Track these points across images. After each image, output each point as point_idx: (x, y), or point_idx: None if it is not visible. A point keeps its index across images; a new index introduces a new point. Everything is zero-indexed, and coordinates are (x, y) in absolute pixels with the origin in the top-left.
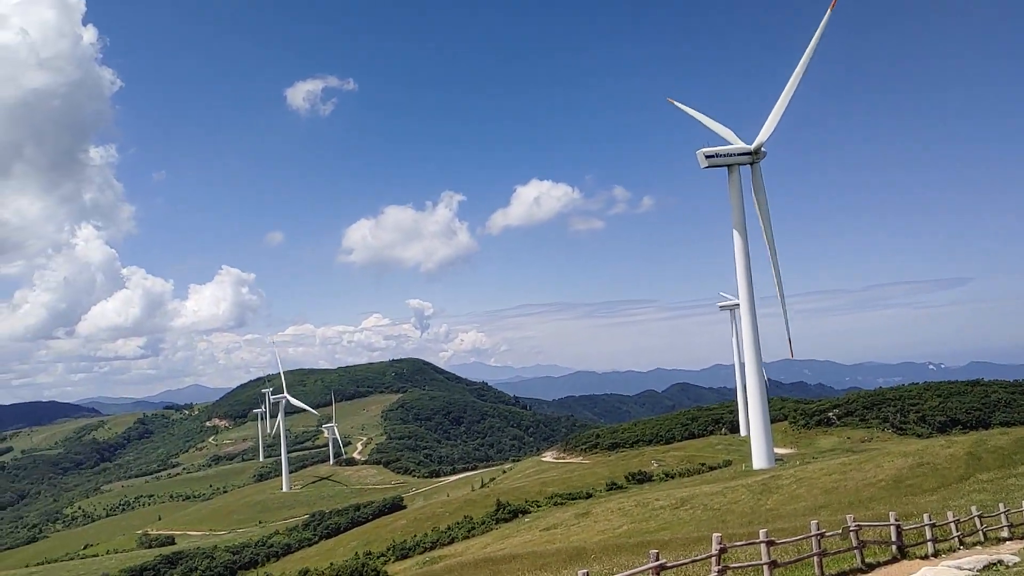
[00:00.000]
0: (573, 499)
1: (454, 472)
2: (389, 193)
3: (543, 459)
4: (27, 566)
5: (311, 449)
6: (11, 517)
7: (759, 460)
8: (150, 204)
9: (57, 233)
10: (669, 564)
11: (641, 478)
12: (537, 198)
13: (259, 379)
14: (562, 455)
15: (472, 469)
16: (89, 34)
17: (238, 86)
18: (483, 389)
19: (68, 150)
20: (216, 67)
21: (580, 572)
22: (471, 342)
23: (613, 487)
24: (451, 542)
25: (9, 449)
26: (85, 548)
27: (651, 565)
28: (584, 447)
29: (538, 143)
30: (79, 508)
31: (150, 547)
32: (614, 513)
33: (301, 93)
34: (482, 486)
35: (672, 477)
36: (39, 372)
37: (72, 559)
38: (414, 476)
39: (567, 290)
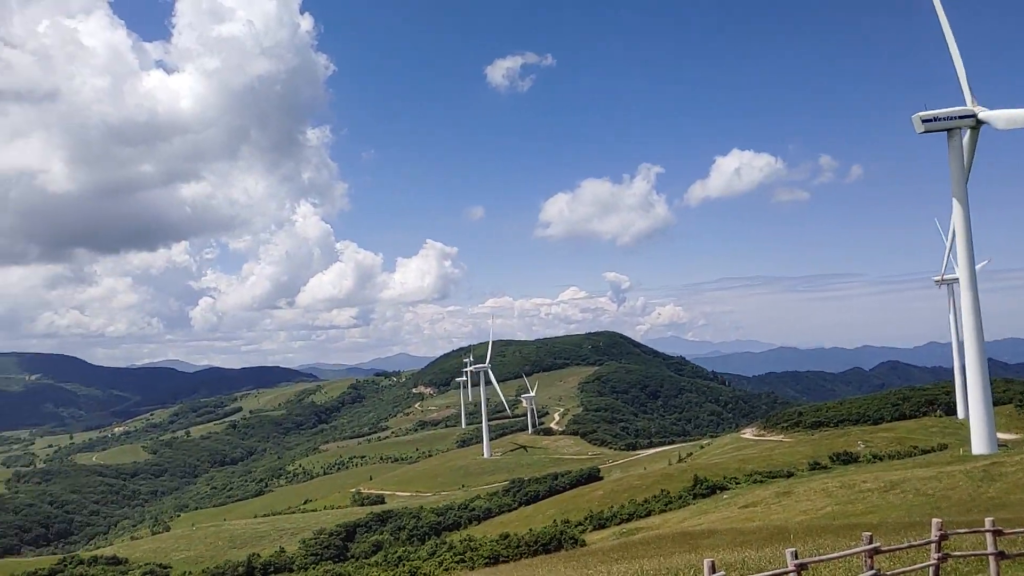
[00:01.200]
0: (773, 477)
1: (650, 446)
2: (586, 166)
3: (742, 436)
4: (255, 516)
5: (510, 418)
6: (241, 471)
7: (979, 445)
8: (361, 181)
9: (279, 210)
10: (883, 548)
11: (846, 459)
12: (737, 169)
13: (461, 349)
14: (762, 432)
15: (669, 443)
16: (305, 22)
17: (440, 66)
18: (680, 363)
19: (288, 132)
20: (419, 48)
21: (787, 551)
22: (668, 316)
23: (816, 467)
24: (648, 515)
25: (239, 409)
26: (305, 503)
27: (864, 548)
28: (785, 425)
29: (738, 112)
30: (299, 466)
31: (362, 505)
32: (817, 493)
33: (500, 70)
34: (679, 460)
35: (880, 459)
36: (264, 339)
37: (294, 512)
38: (610, 448)
39: (768, 264)
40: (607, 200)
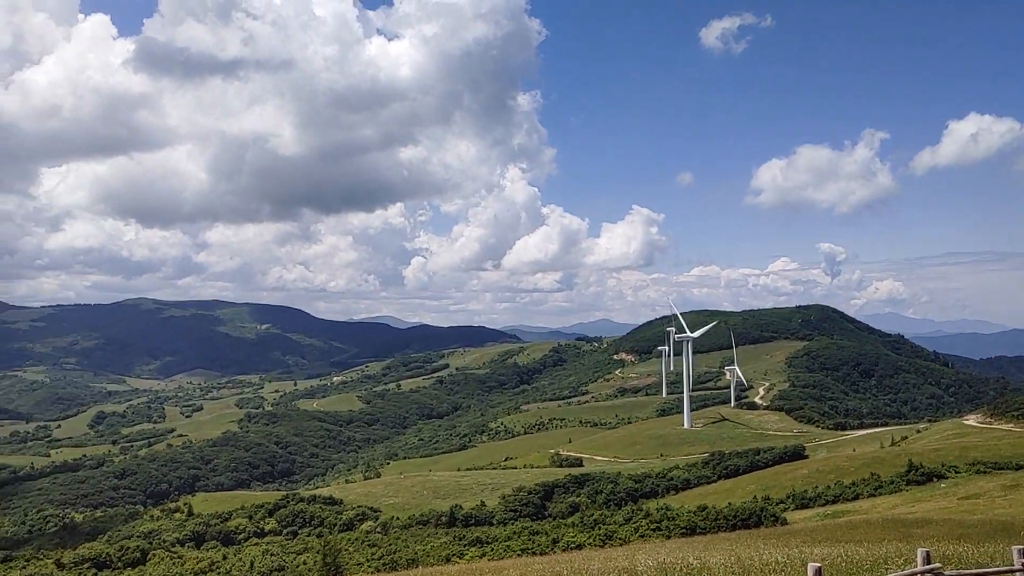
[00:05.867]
0: (1000, 469)
1: (861, 427)
2: (804, 132)
3: (965, 422)
4: (458, 469)
5: (712, 390)
6: (447, 425)
7: None
8: (569, 146)
9: (489, 174)
10: None
11: None
12: (975, 135)
13: (664, 317)
14: (988, 420)
15: (881, 425)
16: None
17: (652, 29)
18: (898, 342)
19: (499, 97)
20: (631, 11)
21: (1014, 547)
22: (886, 291)
23: None
24: (855, 498)
25: (446, 366)
26: (505, 460)
27: None
28: (1017, 413)
29: (977, 73)
30: (501, 424)
31: (561, 466)
32: None
33: (715, 32)
34: (892, 444)
35: None
36: (471, 300)
37: (495, 468)
38: (817, 426)
39: (1004, 239)
40: (824, 167)
